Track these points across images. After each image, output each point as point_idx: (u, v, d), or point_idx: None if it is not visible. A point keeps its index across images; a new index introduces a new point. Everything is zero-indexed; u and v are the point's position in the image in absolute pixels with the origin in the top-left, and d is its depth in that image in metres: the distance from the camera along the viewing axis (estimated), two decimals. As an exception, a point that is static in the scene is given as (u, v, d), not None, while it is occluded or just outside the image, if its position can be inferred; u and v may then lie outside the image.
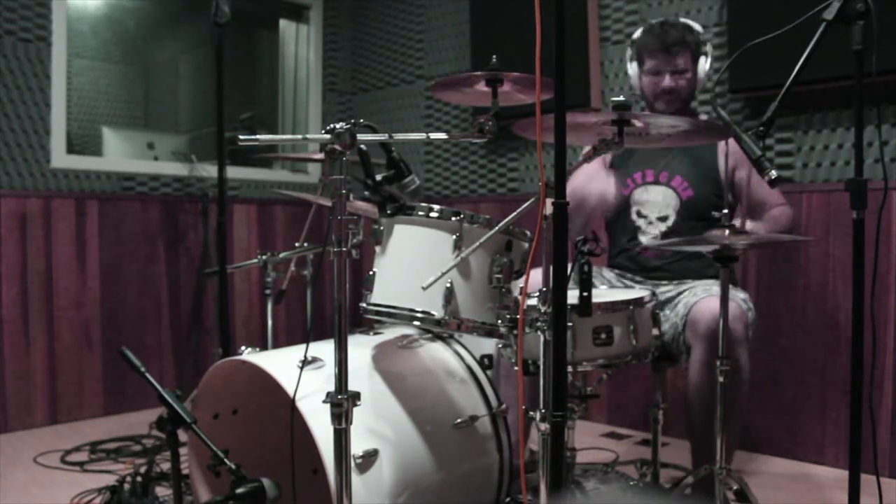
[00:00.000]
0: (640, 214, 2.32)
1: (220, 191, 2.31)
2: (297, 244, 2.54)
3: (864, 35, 1.55)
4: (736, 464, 2.65)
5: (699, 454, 2.07)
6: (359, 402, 1.40)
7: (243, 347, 1.88)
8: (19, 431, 3.12)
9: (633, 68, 2.36)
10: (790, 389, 2.77)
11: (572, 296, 1.39)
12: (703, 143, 2.25)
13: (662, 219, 2.29)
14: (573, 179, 2.05)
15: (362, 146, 1.43)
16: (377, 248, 1.70)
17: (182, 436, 1.52)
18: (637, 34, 2.34)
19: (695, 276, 2.25)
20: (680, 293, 2.17)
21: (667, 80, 2.26)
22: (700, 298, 2.03)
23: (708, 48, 2.30)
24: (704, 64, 2.28)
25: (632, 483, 2.39)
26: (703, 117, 2.53)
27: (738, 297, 2.08)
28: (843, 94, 2.60)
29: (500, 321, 1.59)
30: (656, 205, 2.29)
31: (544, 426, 1.38)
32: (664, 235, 2.28)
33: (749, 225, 1.79)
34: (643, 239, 2.31)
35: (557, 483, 1.30)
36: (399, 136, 1.48)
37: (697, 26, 2.32)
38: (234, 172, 3.88)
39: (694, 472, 1.97)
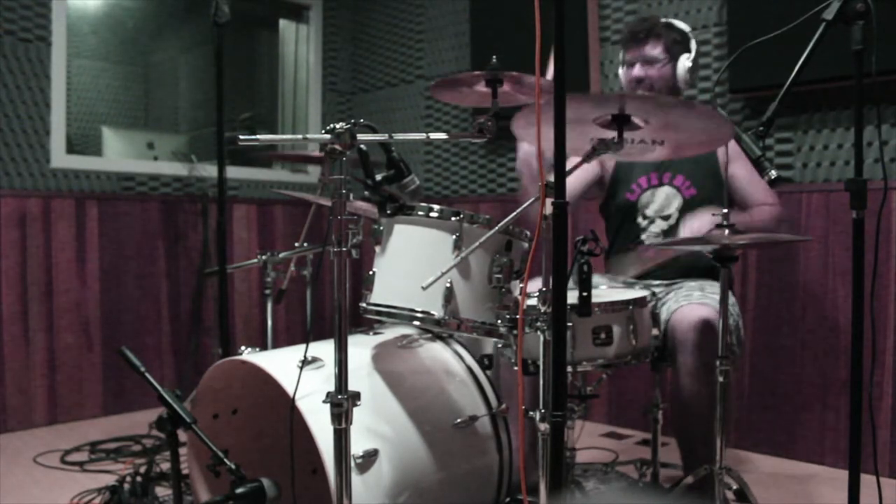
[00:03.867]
0: (644, 216, 2.33)
1: (220, 191, 2.31)
2: (297, 244, 2.54)
3: (864, 35, 1.55)
4: (736, 464, 2.66)
5: (686, 458, 2.08)
6: (359, 402, 1.40)
7: (243, 347, 1.88)
8: (19, 431, 3.11)
9: (620, 71, 2.36)
10: (790, 389, 2.77)
11: (572, 296, 1.39)
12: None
13: (665, 217, 2.29)
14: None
15: (362, 146, 1.43)
16: (377, 248, 1.70)
17: (182, 436, 1.52)
18: None
19: (686, 273, 2.25)
20: (668, 294, 2.17)
21: (636, 70, 2.24)
22: (680, 306, 2.02)
23: (692, 45, 2.24)
24: (686, 61, 2.21)
25: (632, 483, 2.39)
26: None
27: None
28: (843, 94, 2.60)
29: (499, 321, 1.59)
30: (660, 205, 2.30)
31: (544, 426, 1.38)
32: (665, 233, 2.28)
33: (733, 217, 1.78)
34: (644, 238, 2.31)
35: (557, 483, 1.30)
36: (399, 136, 1.48)
37: (681, 25, 2.28)
38: (234, 172, 3.88)
39: (694, 472, 1.97)
